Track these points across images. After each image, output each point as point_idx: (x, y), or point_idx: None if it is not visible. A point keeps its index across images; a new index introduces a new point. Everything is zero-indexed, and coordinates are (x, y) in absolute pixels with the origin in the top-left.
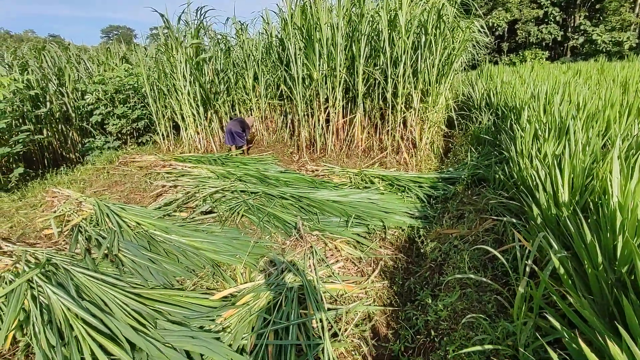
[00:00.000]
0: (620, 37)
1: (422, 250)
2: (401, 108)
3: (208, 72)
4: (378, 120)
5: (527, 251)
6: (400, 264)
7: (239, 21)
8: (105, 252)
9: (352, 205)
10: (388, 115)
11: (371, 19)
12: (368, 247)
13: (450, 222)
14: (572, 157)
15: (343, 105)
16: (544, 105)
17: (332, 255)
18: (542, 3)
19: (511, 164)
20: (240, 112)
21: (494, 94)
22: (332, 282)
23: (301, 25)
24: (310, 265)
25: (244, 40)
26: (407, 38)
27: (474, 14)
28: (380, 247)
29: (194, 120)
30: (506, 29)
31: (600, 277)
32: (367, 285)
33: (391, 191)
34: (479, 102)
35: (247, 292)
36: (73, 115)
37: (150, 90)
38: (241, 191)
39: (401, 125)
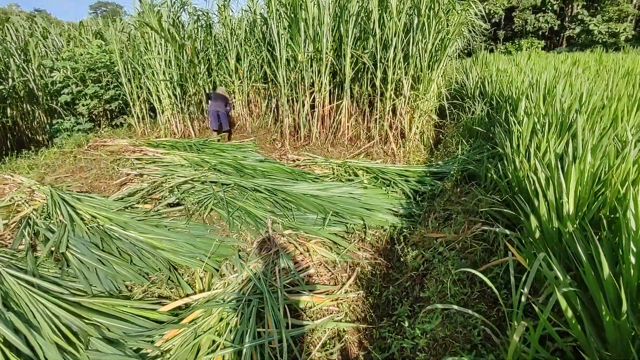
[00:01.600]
0: (616, 28)
1: (402, 259)
2: (391, 95)
3: (187, 51)
4: (366, 108)
5: (524, 275)
6: (380, 269)
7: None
8: (52, 249)
9: (331, 200)
10: (377, 102)
11: None
12: (345, 249)
13: (436, 224)
14: (579, 160)
15: (330, 91)
16: (543, 96)
17: (303, 260)
18: None
19: (505, 162)
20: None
21: (488, 83)
22: (299, 292)
23: (286, 3)
24: (276, 272)
25: (226, 17)
26: (399, 19)
27: None
28: (358, 249)
29: (171, 102)
30: (503, 17)
31: (622, 329)
32: (340, 295)
33: (375, 185)
34: (472, 90)
35: (200, 304)
36: (40, 94)
37: (124, 68)
38: (212, 182)
39: (390, 113)
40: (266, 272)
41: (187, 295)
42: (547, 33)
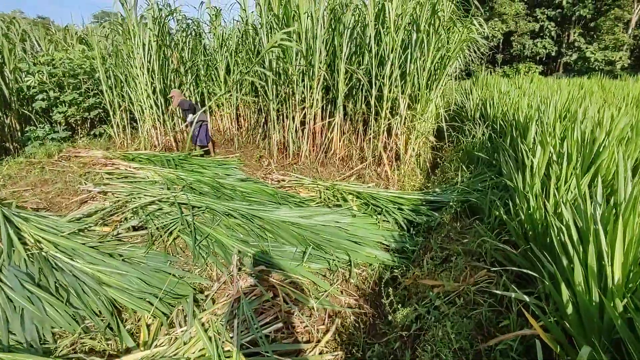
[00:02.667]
0: (612, 57)
1: (391, 310)
2: (386, 114)
3: (172, 60)
4: (360, 126)
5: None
6: (365, 320)
7: (214, 6)
8: None
9: (314, 230)
10: (371, 121)
11: (357, 10)
12: (325, 291)
13: (432, 266)
14: (625, 213)
15: (322, 107)
16: (553, 121)
17: (272, 307)
18: (538, 17)
19: (517, 200)
20: (206, 105)
21: (490, 105)
22: (259, 354)
23: (279, 13)
24: (235, 325)
25: (216, 27)
26: (396, 35)
27: (472, 15)
28: (341, 292)
29: (152, 113)
30: (501, 40)
31: None
32: (313, 358)
33: (366, 212)
34: (473, 112)
35: None
36: (13, 99)
37: (106, 76)
38: (182, 204)
39: (385, 133)
40: (223, 325)
41: (127, 351)
42: (544, 58)
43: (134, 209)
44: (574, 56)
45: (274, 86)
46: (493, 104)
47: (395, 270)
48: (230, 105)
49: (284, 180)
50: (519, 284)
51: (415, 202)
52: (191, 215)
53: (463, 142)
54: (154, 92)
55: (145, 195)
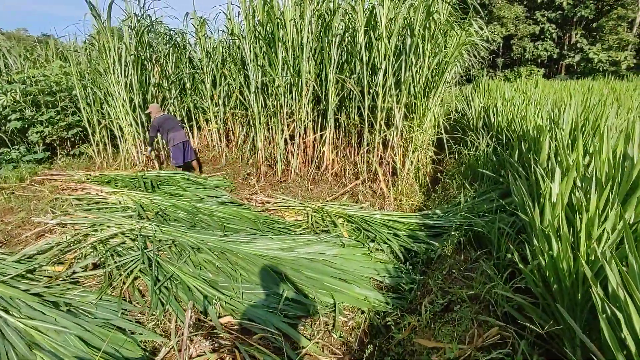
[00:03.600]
0: (617, 57)
1: None
2: (381, 126)
3: (154, 74)
4: (354, 139)
5: None
6: None
7: (200, 17)
8: None
9: (296, 265)
10: (365, 134)
11: (346, 15)
12: (301, 352)
13: (431, 314)
14: None
15: (313, 120)
16: (571, 136)
17: None
18: (538, 19)
19: (535, 240)
20: (194, 122)
21: (494, 113)
22: None
23: (264, 22)
24: None
25: (200, 39)
26: (389, 40)
27: (471, 17)
28: (322, 349)
29: (132, 131)
30: (501, 44)
31: None
32: None
33: (357, 239)
34: (475, 121)
35: None
36: None
37: (84, 93)
38: (147, 236)
39: (380, 146)
40: None
41: None
42: (546, 61)
43: (94, 244)
44: (577, 58)
45: (261, 98)
46: (496, 112)
47: (388, 319)
48: (218, 120)
49: (268, 202)
50: (540, 346)
51: (413, 227)
52: (155, 250)
53: (465, 155)
54: (133, 108)
55: (108, 226)
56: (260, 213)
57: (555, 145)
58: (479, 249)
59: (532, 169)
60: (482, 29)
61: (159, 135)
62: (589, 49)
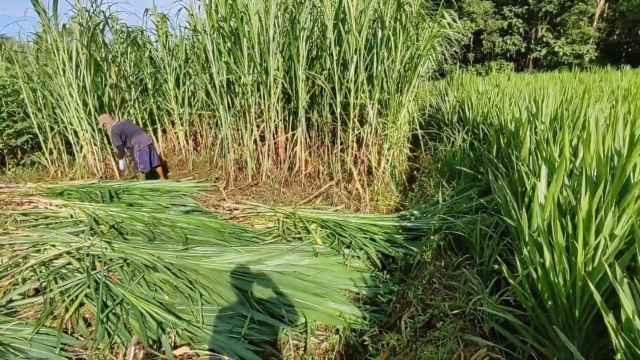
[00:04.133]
0: (580, 50)
1: None
2: (354, 123)
3: (111, 75)
4: (327, 138)
5: None
6: None
7: (161, 13)
8: None
9: (264, 280)
10: (338, 132)
11: (315, 9)
12: None
13: (411, 331)
14: None
15: (284, 119)
16: (552, 128)
17: None
18: (505, 14)
19: (525, 250)
20: (159, 125)
21: (468, 107)
22: None
23: (227, 16)
24: None
25: (161, 36)
26: (359, 33)
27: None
28: None
29: (88, 137)
30: (472, 39)
31: None
32: None
33: (332, 246)
34: (450, 116)
35: None
36: None
37: (34, 97)
38: (96, 255)
39: (354, 145)
40: None
41: None
42: (514, 55)
43: (34, 267)
44: (543, 51)
45: (228, 97)
46: (471, 106)
47: (365, 337)
48: (184, 122)
49: (237, 209)
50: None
51: (391, 230)
52: (104, 271)
53: (441, 151)
54: (88, 112)
55: (53, 245)
56: (228, 221)
57: (536, 139)
58: (461, 253)
59: (515, 166)
60: (455, 21)
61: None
62: (554, 42)
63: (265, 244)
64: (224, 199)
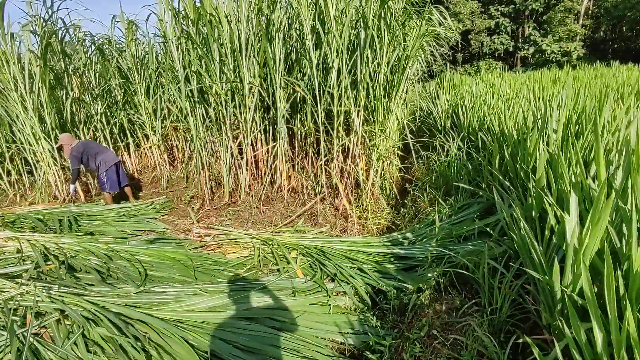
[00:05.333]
0: (568, 47)
1: None
2: (339, 133)
3: (73, 88)
4: (310, 150)
5: None
6: None
7: (131, 21)
8: None
9: (230, 333)
10: (321, 143)
11: (292, 9)
12: None
13: None
14: None
15: (264, 130)
16: (565, 139)
17: None
18: (492, 14)
19: (560, 322)
20: (131, 140)
21: (463, 112)
22: None
23: (194, 19)
24: None
25: (128, 44)
26: (340, 34)
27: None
28: None
29: (48, 157)
30: (459, 40)
31: None
32: None
33: (314, 279)
34: (442, 121)
35: None
36: None
37: None
38: (28, 307)
39: (340, 156)
40: None
41: None
42: (502, 54)
43: None
44: (531, 50)
45: (202, 108)
46: (465, 110)
47: None
48: (156, 135)
49: (208, 235)
50: None
51: (381, 258)
52: (35, 328)
53: (434, 161)
54: (48, 130)
55: None
56: (197, 250)
57: (549, 151)
58: (464, 291)
59: (524, 184)
60: (445, 18)
61: (82, 167)
62: (542, 41)
63: (237, 279)
64: (194, 224)
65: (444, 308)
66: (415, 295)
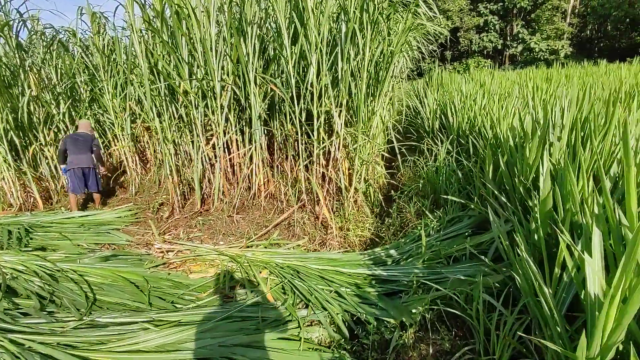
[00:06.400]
0: (555, 45)
1: None
2: (319, 135)
3: (30, 86)
4: (289, 152)
5: None
6: None
7: (95, 12)
8: None
9: None
10: (298, 146)
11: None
12: None
13: None
14: None
15: (240, 131)
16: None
17: None
18: (481, 11)
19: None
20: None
21: (452, 112)
22: None
23: (160, 10)
24: None
25: (94, 37)
26: (319, 28)
27: None
28: None
29: (1, 162)
30: (448, 38)
31: None
32: None
33: (285, 305)
34: (430, 122)
35: None
36: None
37: None
38: None
39: (321, 160)
40: None
41: None
42: (491, 52)
43: None
44: (519, 48)
45: (171, 108)
46: (455, 111)
47: None
48: (125, 136)
49: (171, 251)
50: None
51: (361, 280)
52: None
53: (421, 166)
54: (3, 132)
55: None
56: (158, 269)
57: (553, 164)
58: (454, 328)
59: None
60: (431, 9)
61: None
62: (530, 39)
63: (197, 306)
64: (155, 238)
65: (431, 351)
66: (398, 331)
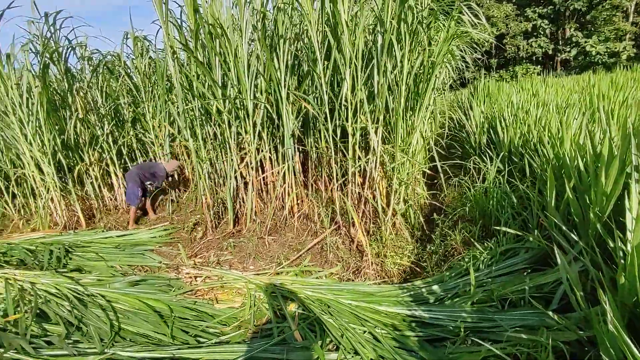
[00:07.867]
0: (616, 48)
1: None
2: (355, 152)
3: (77, 109)
4: (324, 171)
5: None
6: None
7: (137, 37)
8: None
9: None
10: (332, 165)
11: (297, 13)
12: None
13: None
14: None
15: (274, 149)
16: None
17: None
18: (529, 16)
19: None
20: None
21: (502, 127)
22: None
23: (195, 30)
24: None
25: (136, 60)
26: (354, 41)
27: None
28: None
29: (49, 180)
30: (494, 45)
31: None
32: None
33: (314, 348)
34: (477, 137)
35: None
36: None
37: None
38: None
39: (356, 179)
40: None
41: None
42: (541, 58)
43: None
44: (573, 52)
45: (207, 127)
46: (505, 124)
47: None
48: (164, 156)
49: (199, 276)
50: None
51: (399, 322)
52: None
53: (467, 187)
54: (51, 153)
55: None
56: (184, 296)
57: None
58: None
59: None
60: (477, 15)
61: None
62: (585, 42)
63: (219, 343)
64: (184, 263)
65: None
66: None
